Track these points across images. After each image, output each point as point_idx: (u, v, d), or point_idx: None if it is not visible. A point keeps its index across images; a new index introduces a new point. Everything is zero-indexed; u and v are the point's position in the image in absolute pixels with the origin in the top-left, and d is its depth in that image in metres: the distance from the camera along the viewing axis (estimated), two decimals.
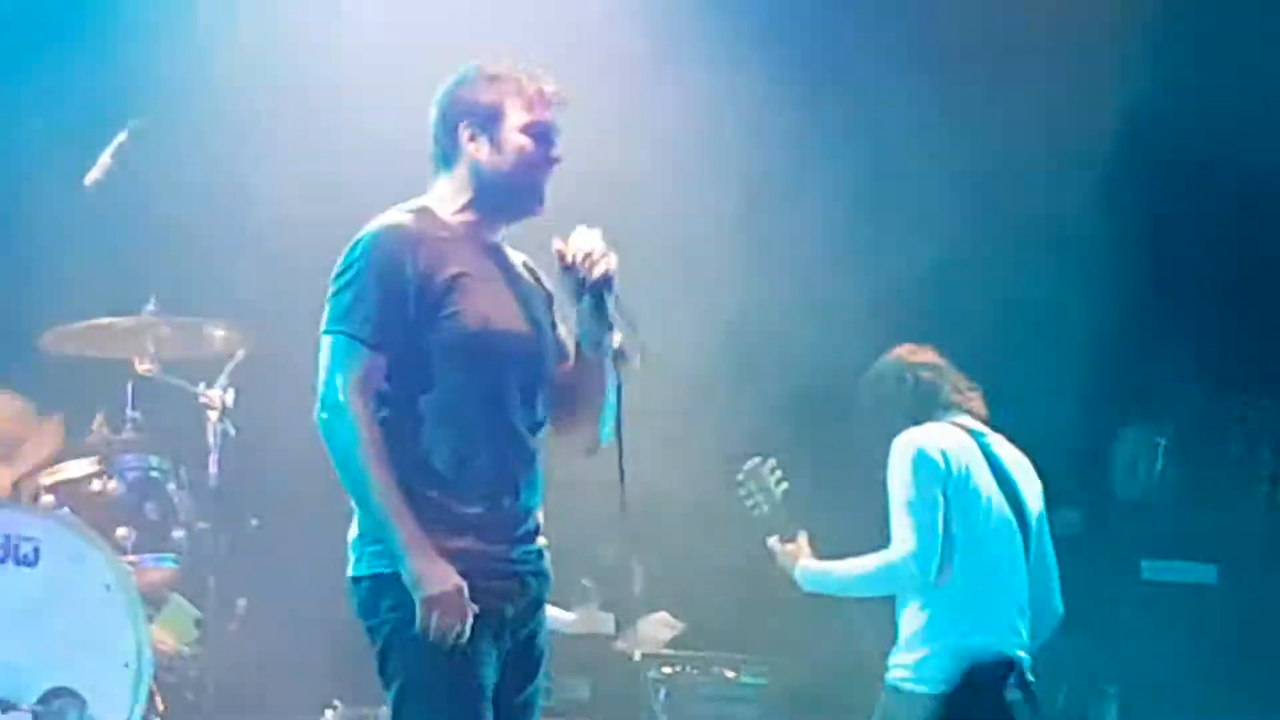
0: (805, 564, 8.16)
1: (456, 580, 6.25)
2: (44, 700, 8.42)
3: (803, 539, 8.22)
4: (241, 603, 9.45)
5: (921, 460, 8.05)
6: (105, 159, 8.98)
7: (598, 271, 6.46)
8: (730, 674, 9.72)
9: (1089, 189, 10.99)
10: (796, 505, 8.36)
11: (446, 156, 6.59)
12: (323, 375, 6.36)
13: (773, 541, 8.25)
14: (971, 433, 8.21)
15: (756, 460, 8.39)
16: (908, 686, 8.05)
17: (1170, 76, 10.81)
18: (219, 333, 9.50)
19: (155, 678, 8.69)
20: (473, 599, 6.36)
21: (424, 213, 6.55)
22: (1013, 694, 8.12)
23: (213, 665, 9.11)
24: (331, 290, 6.49)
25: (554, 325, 6.72)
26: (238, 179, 9.90)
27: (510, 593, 6.49)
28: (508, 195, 6.56)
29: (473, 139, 6.53)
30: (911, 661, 8.06)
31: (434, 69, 7.01)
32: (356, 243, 6.47)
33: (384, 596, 6.39)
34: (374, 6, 10.33)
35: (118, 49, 9.99)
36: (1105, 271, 11.02)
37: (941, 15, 10.87)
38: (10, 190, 10.59)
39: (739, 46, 10.73)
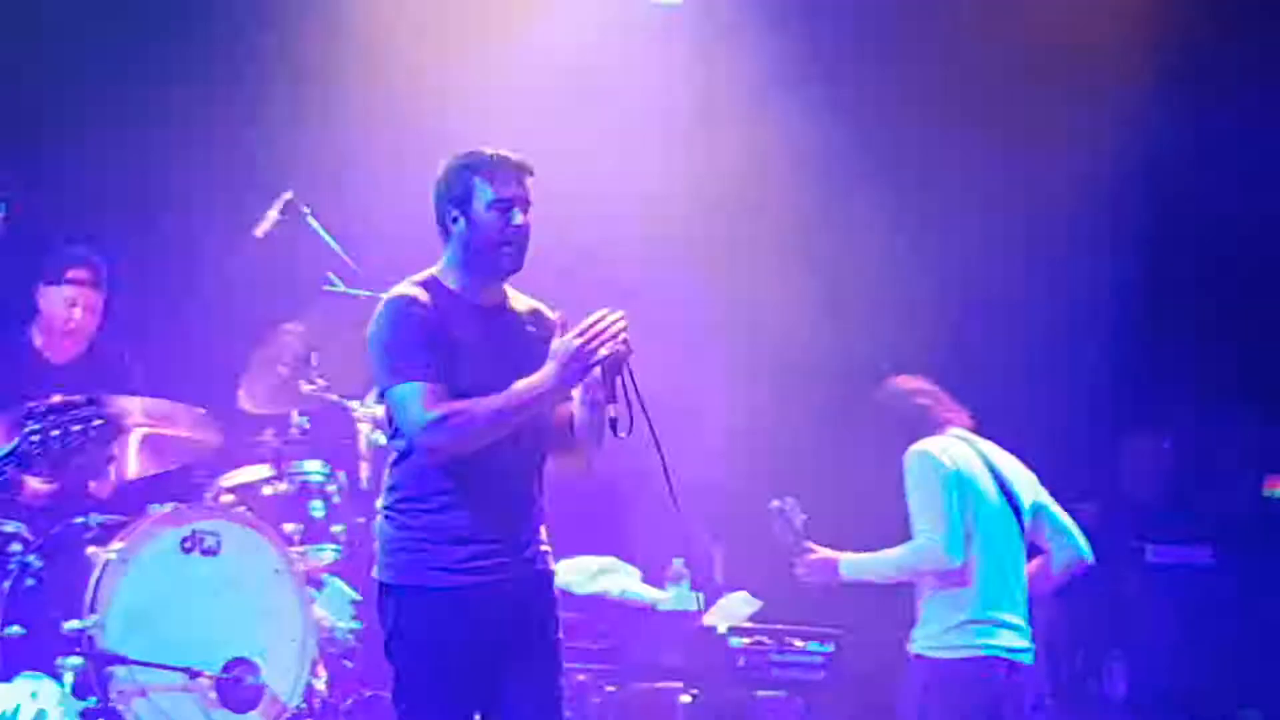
0: (846, 558, 8.28)
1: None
2: (226, 668, 8.57)
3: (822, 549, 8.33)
4: None
5: (932, 464, 8.23)
6: (272, 214, 9.17)
7: (607, 352, 6.50)
8: (800, 643, 9.77)
9: (1103, 227, 10.97)
10: (815, 529, 8.37)
11: (444, 234, 6.75)
12: (408, 424, 6.57)
13: (812, 555, 8.34)
14: (968, 441, 8.37)
15: (780, 502, 8.43)
16: (931, 655, 8.20)
17: (1170, 119, 10.73)
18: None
19: (318, 649, 8.87)
20: (460, 612, 6.60)
21: (430, 282, 6.72)
22: (1021, 652, 8.24)
23: (366, 639, 9.20)
24: (375, 352, 6.69)
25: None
26: (375, 230, 9.74)
27: (511, 597, 6.68)
28: (486, 262, 6.69)
29: (455, 219, 6.69)
30: (934, 633, 8.21)
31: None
32: (381, 313, 6.69)
33: (388, 601, 6.68)
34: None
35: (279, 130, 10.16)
36: (1119, 302, 11.06)
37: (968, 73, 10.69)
38: (192, 238, 10.71)
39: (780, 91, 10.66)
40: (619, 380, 6.61)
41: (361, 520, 9.28)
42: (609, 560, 9.98)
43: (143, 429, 9.30)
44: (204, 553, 8.75)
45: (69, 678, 8.45)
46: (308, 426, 9.59)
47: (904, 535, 8.26)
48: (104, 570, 8.60)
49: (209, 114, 10.30)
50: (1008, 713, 8.27)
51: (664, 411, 10.65)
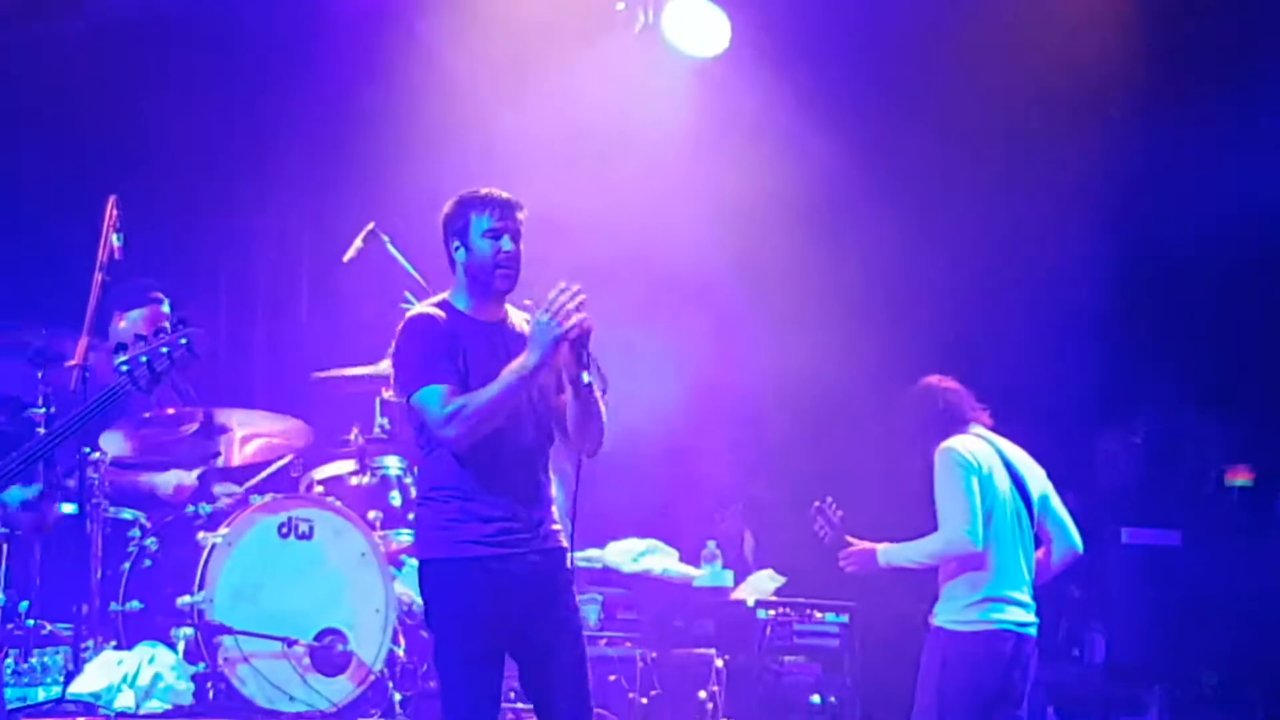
0: (883, 548, 8.30)
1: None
2: (318, 637, 8.60)
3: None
4: None
5: (960, 461, 8.24)
6: (358, 242, 9.18)
7: (570, 324, 6.64)
8: (819, 615, 9.78)
9: (1086, 249, 10.89)
10: (852, 525, 8.44)
11: (451, 262, 6.96)
12: (431, 420, 6.73)
13: (853, 548, 8.40)
14: (986, 439, 8.40)
15: (820, 501, 8.50)
16: (950, 627, 8.22)
17: (1143, 148, 10.64)
18: None
19: (398, 621, 8.84)
20: (487, 579, 6.75)
21: (443, 304, 6.95)
22: (1028, 626, 8.28)
23: None
24: (399, 364, 6.98)
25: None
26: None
27: (528, 574, 6.81)
28: (484, 284, 6.90)
29: (457, 248, 6.91)
30: (954, 609, 8.24)
31: None
32: (403, 330, 6.92)
33: (427, 574, 6.89)
34: None
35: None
36: (1097, 314, 10.98)
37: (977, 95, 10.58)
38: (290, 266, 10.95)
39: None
40: (585, 352, 6.72)
41: None
42: (651, 542, 10.00)
43: (241, 431, 9.36)
44: (299, 537, 8.79)
45: (181, 646, 8.52)
46: (389, 427, 9.58)
47: (913, 518, 8.32)
48: (211, 552, 8.66)
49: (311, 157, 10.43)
50: (1016, 679, 8.29)
51: (699, 413, 10.77)
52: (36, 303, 9.77)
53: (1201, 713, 10.38)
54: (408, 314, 7.00)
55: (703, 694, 9.37)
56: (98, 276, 8.51)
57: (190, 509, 9.00)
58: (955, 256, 10.70)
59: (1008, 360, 10.30)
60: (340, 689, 8.59)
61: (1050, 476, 8.63)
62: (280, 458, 9.56)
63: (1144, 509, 10.74)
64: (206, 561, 8.67)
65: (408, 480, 9.46)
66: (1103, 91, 10.45)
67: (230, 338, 10.40)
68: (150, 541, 8.92)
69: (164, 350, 6.53)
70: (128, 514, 8.99)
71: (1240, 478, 11.03)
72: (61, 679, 8.35)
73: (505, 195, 6.96)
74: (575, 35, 10.29)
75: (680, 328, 10.28)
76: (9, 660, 8.35)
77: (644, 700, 9.34)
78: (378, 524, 9.26)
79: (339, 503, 9.02)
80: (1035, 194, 10.55)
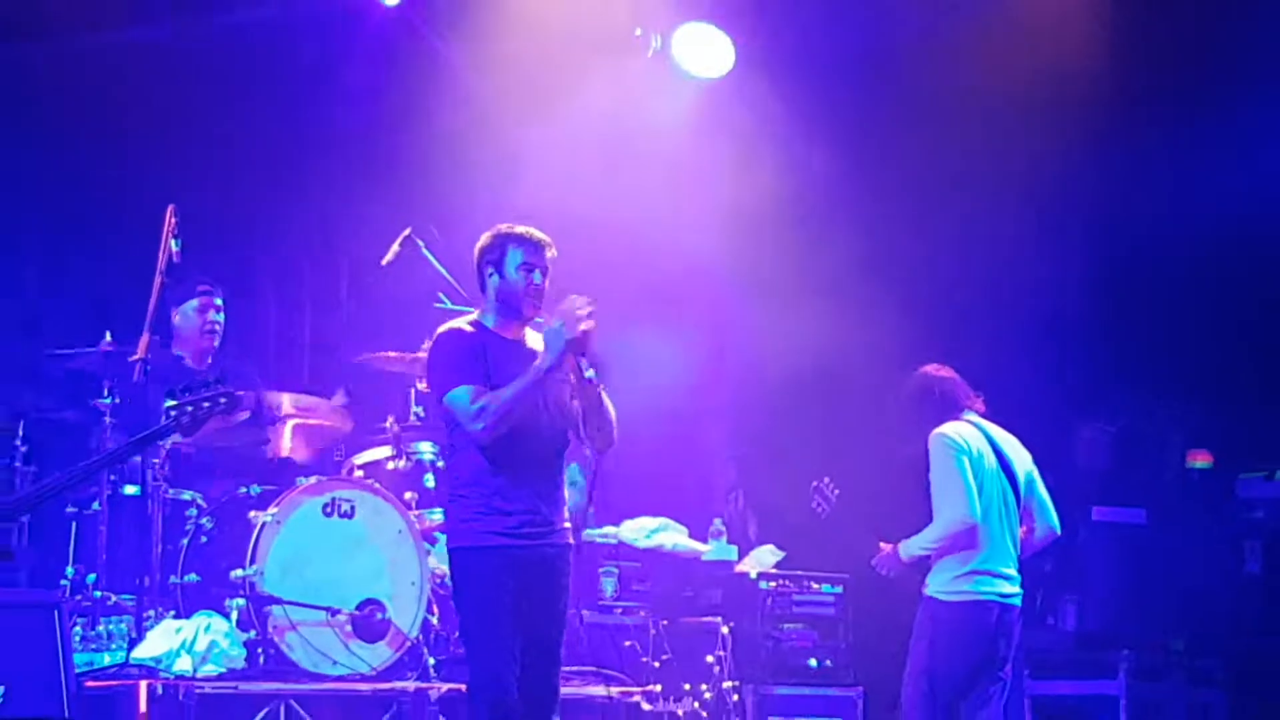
0: (901, 545, 8.23)
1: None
2: (360, 607, 8.59)
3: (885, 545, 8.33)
4: None
5: (953, 445, 8.18)
6: (396, 246, 9.12)
7: (580, 329, 6.90)
8: (815, 586, 9.76)
9: (1064, 253, 10.90)
10: (845, 503, 8.44)
11: (482, 286, 7.21)
12: (461, 416, 6.97)
13: (882, 552, 8.35)
14: (977, 425, 8.33)
15: (818, 481, 8.49)
16: (941, 597, 8.16)
17: (1115, 158, 10.54)
18: None
19: (432, 592, 8.84)
20: (505, 567, 6.99)
21: (474, 322, 7.20)
22: (1012, 597, 8.23)
23: None
24: (433, 369, 7.18)
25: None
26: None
27: (540, 562, 7.07)
28: (513, 307, 7.15)
29: (490, 275, 7.15)
30: (945, 580, 8.17)
31: None
32: (437, 341, 7.17)
33: (456, 560, 7.09)
34: None
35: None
36: (1075, 313, 11.00)
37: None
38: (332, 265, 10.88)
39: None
40: (587, 351, 6.97)
41: None
42: (662, 520, 9.96)
43: (293, 420, 9.38)
44: (341, 516, 8.79)
45: (234, 615, 8.54)
46: (423, 415, 9.56)
47: (902, 492, 8.39)
48: (262, 530, 8.65)
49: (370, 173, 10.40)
50: (1000, 645, 8.24)
51: (701, 402, 10.72)
52: (102, 303, 9.75)
53: (1165, 676, 10.28)
54: (440, 329, 7.23)
55: (710, 658, 9.37)
56: (158, 279, 8.55)
57: (242, 490, 8.98)
58: (942, 254, 10.62)
59: (992, 353, 10.20)
60: (379, 654, 8.59)
61: (1035, 461, 8.57)
62: (324, 444, 9.53)
63: (1112, 490, 10.63)
64: (257, 538, 8.66)
65: (440, 464, 9.41)
66: (1080, 99, 10.33)
67: (278, 332, 10.35)
68: (206, 520, 8.91)
69: (206, 405, 6.72)
70: (186, 495, 8.98)
71: (1200, 461, 10.95)
72: (125, 645, 8.39)
73: (540, 235, 7.21)
74: (593, 57, 10.24)
75: (685, 323, 10.29)
76: (78, 628, 8.38)
77: (656, 664, 9.30)
78: (413, 504, 9.23)
79: (378, 485, 9.02)
80: (1017, 197, 10.44)
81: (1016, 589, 8.28)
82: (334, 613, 8.56)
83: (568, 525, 7.25)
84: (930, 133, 10.42)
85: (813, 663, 9.60)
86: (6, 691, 7.38)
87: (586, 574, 9.47)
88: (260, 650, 8.50)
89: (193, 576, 8.74)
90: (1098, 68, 10.20)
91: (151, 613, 8.56)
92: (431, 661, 8.71)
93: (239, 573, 8.60)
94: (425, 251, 8.84)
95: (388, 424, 9.53)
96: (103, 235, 10.04)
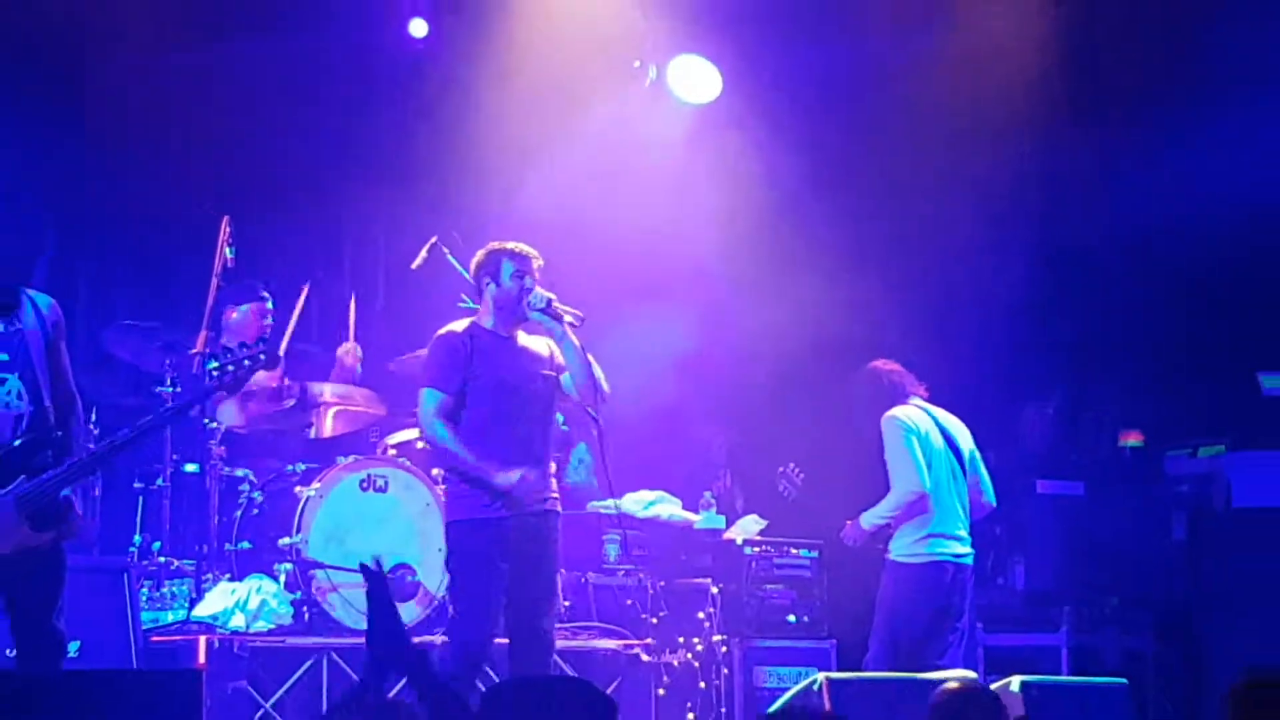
0: (864, 516, 8.34)
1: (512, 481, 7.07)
2: (392, 570, 8.47)
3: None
4: None
5: (902, 426, 8.31)
6: (424, 253, 9.00)
7: (540, 299, 7.33)
8: (794, 550, 9.68)
9: (1007, 250, 10.63)
10: (810, 486, 8.58)
11: (479, 293, 7.45)
12: (421, 414, 7.34)
13: (847, 526, 8.45)
14: (924, 408, 8.45)
15: (783, 467, 8.65)
16: (901, 560, 8.28)
17: (1054, 165, 10.44)
18: None
19: None
20: (503, 530, 7.18)
21: (472, 323, 7.46)
22: (964, 557, 8.35)
23: None
24: (425, 361, 7.46)
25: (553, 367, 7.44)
26: None
27: (529, 529, 7.25)
28: (507, 310, 7.40)
29: (488, 284, 7.40)
30: (904, 544, 8.29)
31: None
32: (434, 340, 7.43)
33: (451, 530, 7.32)
34: None
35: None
36: (1018, 304, 10.78)
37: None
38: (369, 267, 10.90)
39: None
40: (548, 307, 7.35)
41: None
42: (659, 493, 9.94)
43: (334, 406, 9.38)
44: (376, 490, 8.80)
45: (282, 578, 8.59)
46: None
47: (863, 465, 8.46)
48: (306, 503, 8.67)
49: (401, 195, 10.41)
50: (955, 600, 8.32)
51: (693, 392, 10.67)
52: (165, 302, 9.78)
53: (1101, 628, 10.28)
54: (440, 331, 7.47)
55: (701, 615, 9.34)
56: (214, 281, 8.57)
57: (289, 468, 9.00)
58: (903, 254, 10.56)
59: (948, 342, 10.24)
60: (410, 612, 8.56)
61: (979, 439, 8.65)
62: (361, 426, 9.50)
63: (1055, 465, 10.61)
64: (302, 510, 8.68)
65: None
66: (1024, 114, 10.23)
67: (320, 327, 10.30)
68: (257, 494, 8.94)
69: (246, 362, 6.60)
70: (239, 472, 9.00)
71: (1132, 440, 10.89)
72: (186, 605, 8.46)
73: (528, 249, 7.43)
74: (599, 84, 10.29)
75: (679, 319, 10.24)
76: (144, 589, 8.44)
77: (654, 620, 9.28)
78: (439, 479, 9.00)
79: (409, 462, 9.01)
80: (970, 201, 10.30)
81: (968, 549, 8.36)
82: None
83: (555, 495, 7.40)
84: (892, 144, 10.34)
85: (791, 618, 9.58)
86: (81, 646, 7.46)
87: (592, 540, 9.44)
88: (305, 609, 8.53)
89: (245, 544, 8.78)
90: (1040, 87, 10.13)
91: (209, 576, 8.58)
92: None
93: (286, 541, 8.62)
94: (449, 257, 8.87)
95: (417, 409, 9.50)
96: (166, 241, 10.07)
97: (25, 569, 6.16)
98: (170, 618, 8.42)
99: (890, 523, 8.31)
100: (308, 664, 8.21)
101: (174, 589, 8.58)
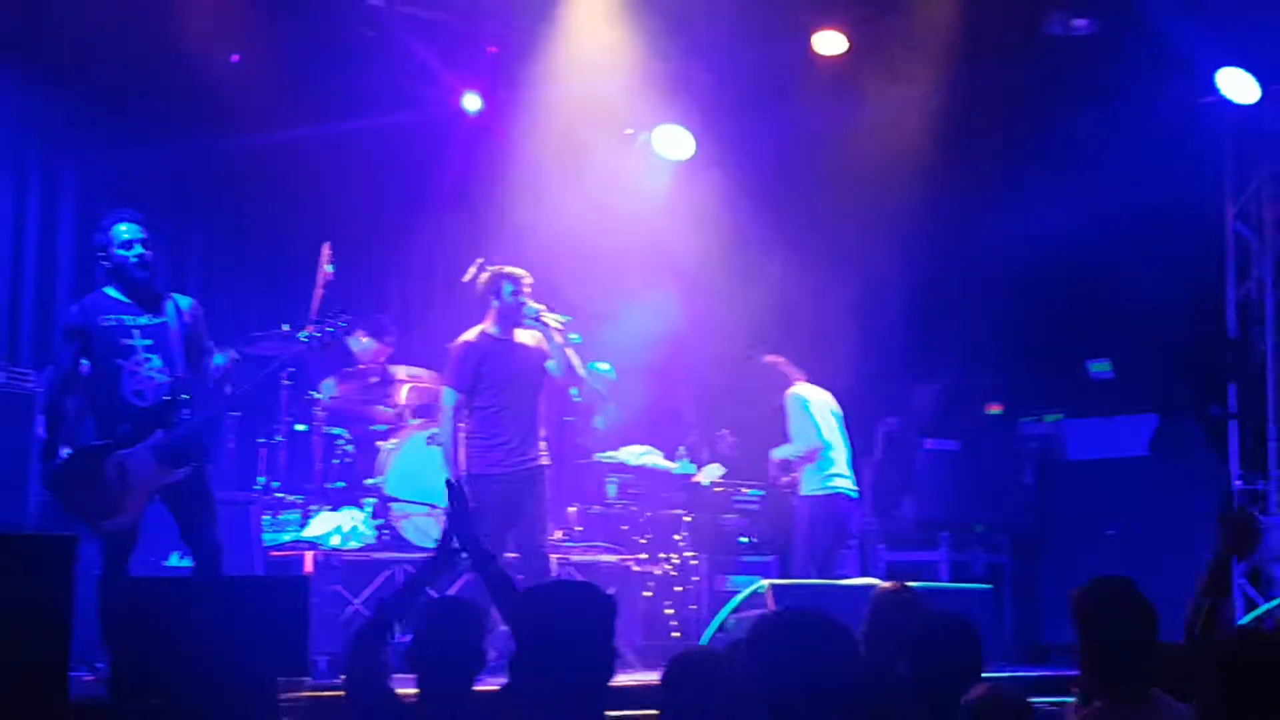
0: (775, 451, 8.53)
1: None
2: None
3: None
4: None
5: (798, 398, 8.50)
6: (472, 270, 8.76)
7: (532, 310, 7.25)
8: (746, 490, 9.71)
9: (910, 264, 10.50)
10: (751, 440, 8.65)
11: (485, 307, 7.35)
12: (441, 403, 7.28)
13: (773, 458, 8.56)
14: (809, 387, 8.60)
15: (717, 433, 8.96)
16: (808, 494, 8.45)
17: (949, 198, 10.19)
18: None
19: None
20: (501, 485, 7.09)
21: (481, 331, 7.36)
22: (851, 492, 8.49)
23: None
24: (448, 360, 7.37)
25: (540, 355, 7.28)
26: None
27: (521, 480, 7.20)
28: (510, 320, 7.31)
29: (493, 299, 7.30)
30: (808, 482, 8.47)
31: None
32: (454, 347, 7.32)
33: (467, 481, 7.08)
34: None
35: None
36: (914, 303, 10.76)
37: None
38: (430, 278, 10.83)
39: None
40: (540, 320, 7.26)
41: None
42: (647, 447, 9.92)
43: (406, 384, 9.31)
44: (438, 444, 8.42)
45: (369, 509, 8.57)
46: None
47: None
48: (385, 453, 8.66)
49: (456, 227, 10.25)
50: (850, 526, 8.47)
51: (672, 370, 10.61)
52: (280, 309, 9.76)
53: (970, 547, 10.29)
54: (460, 337, 7.37)
55: (677, 537, 9.33)
56: (318, 292, 8.47)
57: (373, 427, 8.96)
58: (832, 272, 10.45)
59: (860, 336, 10.23)
60: None
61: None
62: (429, 400, 9.32)
63: (938, 427, 10.50)
64: (383, 459, 8.67)
65: None
66: (921, 167, 10.08)
67: (399, 324, 10.32)
68: (349, 447, 8.92)
69: (330, 330, 6.63)
70: (337, 430, 8.97)
71: (994, 409, 10.89)
72: (297, 528, 8.46)
73: (522, 272, 7.33)
74: (599, 146, 10.20)
75: (665, 314, 10.17)
76: (266, 517, 8.45)
77: (643, 540, 9.28)
78: None
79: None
80: (883, 232, 10.15)
81: (854, 485, 8.51)
82: (433, 508, 8.43)
83: (543, 454, 7.31)
84: (822, 189, 10.25)
85: (744, 540, 9.59)
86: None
87: (597, 482, 9.41)
88: (385, 532, 8.52)
89: (340, 484, 8.77)
90: (927, 151, 10.09)
91: (314, 507, 8.59)
92: None
93: (371, 481, 8.63)
94: (489, 270, 8.82)
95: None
96: (284, 261, 10.06)
97: (180, 497, 6.32)
98: (285, 538, 8.45)
99: (793, 464, 8.43)
100: (386, 573, 8.18)
101: (287, 517, 8.61)
